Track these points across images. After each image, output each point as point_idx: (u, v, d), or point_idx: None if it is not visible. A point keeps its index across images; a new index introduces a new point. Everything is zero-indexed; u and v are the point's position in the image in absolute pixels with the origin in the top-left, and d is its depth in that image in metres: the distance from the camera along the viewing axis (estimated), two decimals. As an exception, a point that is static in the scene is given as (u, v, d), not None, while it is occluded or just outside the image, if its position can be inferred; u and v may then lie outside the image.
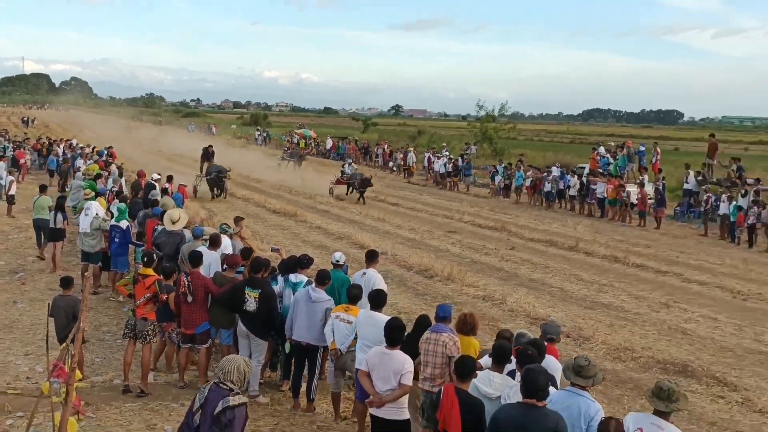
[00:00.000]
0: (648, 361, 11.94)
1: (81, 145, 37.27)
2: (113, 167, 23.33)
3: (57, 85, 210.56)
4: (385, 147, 49.83)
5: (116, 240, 14.31)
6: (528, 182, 33.39)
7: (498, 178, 35.52)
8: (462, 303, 14.97)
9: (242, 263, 10.92)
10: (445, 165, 39.60)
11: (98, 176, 21.12)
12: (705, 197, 26.45)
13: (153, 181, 20.03)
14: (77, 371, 4.12)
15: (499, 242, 22.56)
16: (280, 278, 10.50)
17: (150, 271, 10.19)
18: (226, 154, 40.67)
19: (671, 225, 27.38)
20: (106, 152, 32.18)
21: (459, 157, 40.88)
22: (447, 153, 43.02)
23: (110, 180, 21.02)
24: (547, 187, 31.92)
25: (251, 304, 9.65)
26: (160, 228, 13.83)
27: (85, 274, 14.09)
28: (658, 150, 33.52)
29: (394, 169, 45.51)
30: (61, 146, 37.26)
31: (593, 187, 29.63)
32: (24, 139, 42.49)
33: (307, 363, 9.58)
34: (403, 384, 7.21)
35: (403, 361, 7.26)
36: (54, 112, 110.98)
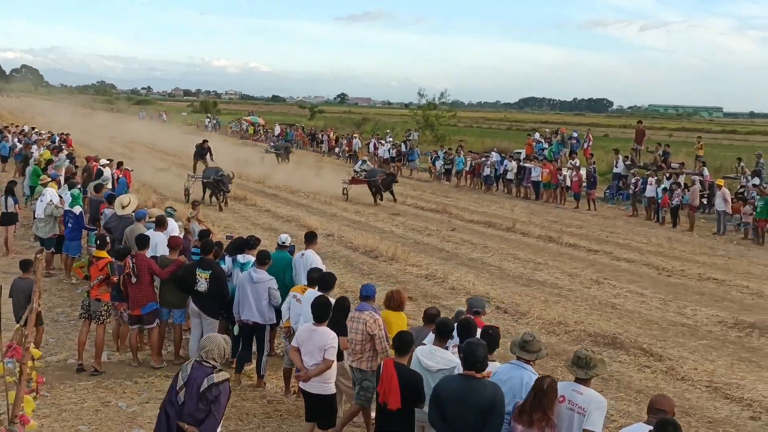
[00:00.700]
0: (580, 334, 12.53)
1: (38, 131, 36.11)
2: (62, 154, 23.17)
3: (7, 73, 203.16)
4: (331, 134, 50.43)
5: (69, 225, 14.48)
6: (468, 167, 34.24)
7: (439, 163, 36.38)
8: (405, 282, 15.55)
9: (198, 245, 11.17)
10: (389, 150, 40.35)
11: (49, 162, 21.05)
12: (633, 180, 27.58)
13: (102, 167, 20.08)
14: (35, 350, 4.34)
15: (441, 224, 23.24)
16: (228, 259, 10.77)
17: (103, 254, 10.39)
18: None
19: (602, 207, 28.50)
20: (58, 138, 31.69)
21: (402, 143, 41.68)
22: (391, 139, 43.92)
23: (57, 165, 20.93)
24: (486, 171, 32.78)
25: (202, 285, 9.92)
26: (109, 212, 14.04)
27: (38, 256, 14.17)
28: (590, 136, 34.82)
29: (340, 155, 46.02)
30: (11, 133, 36.24)
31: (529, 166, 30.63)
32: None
33: (255, 341, 9.88)
34: (326, 359, 7.31)
35: (327, 336, 7.37)
36: (5, 99, 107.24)
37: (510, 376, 6.25)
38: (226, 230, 18.05)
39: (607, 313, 14.08)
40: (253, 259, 10.31)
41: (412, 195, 29.72)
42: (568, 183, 28.92)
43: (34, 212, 15.49)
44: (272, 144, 46.65)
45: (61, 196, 15.49)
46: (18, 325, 7.49)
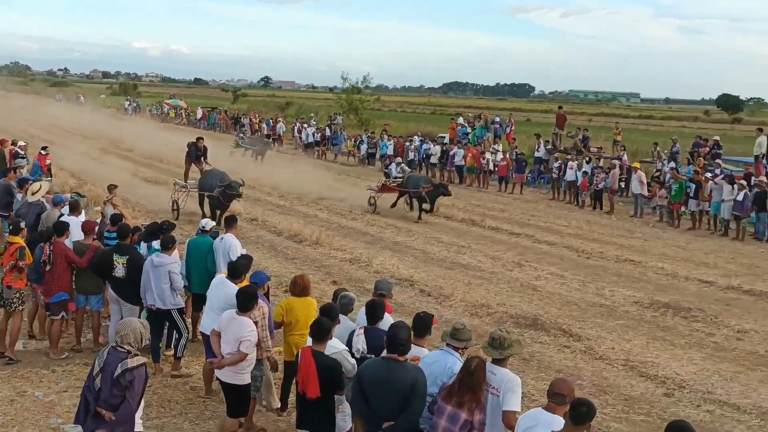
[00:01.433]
0: (502, 316, 12.76)
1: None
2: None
3: None
4: (254, 117, 49.76)
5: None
6: (392, 151, 34.27)
7: (363, 147, 36.35)
8: (330, 266, 15.52)
9: (111, 229, 11.02)
10: (313, 134, 40.09)
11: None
12: (554, 164, 28.11)
13: (20, 150, 19.36)
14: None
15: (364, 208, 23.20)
16: (143, 244, 10.62)
17: (17, 239, 10.06)
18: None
19: (524, 190, 28.88)
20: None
21: (327, 127, 41.47)
22: (315, 123, 43.62)
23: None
24: (410, 155, 32.90)
25: (119, 270, 9.75)
26: (20, 198, 13.59)
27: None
28: (512, 121, 35.32)
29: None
30: None
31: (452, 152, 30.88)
32: None
33: (168, 325, 9.77)
34: (240, 350, 7.22)
35: (245, 327, 7.26)
36: None
37: (435, 360, 6.31)
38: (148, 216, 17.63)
39: (529, 294, 14.33)
40: (168, 245, 10.18)
41: (337, 179, 29.58)
42: (491, 167, 29.27)
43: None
44: (241, 136, 39.85)
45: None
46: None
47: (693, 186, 21.93)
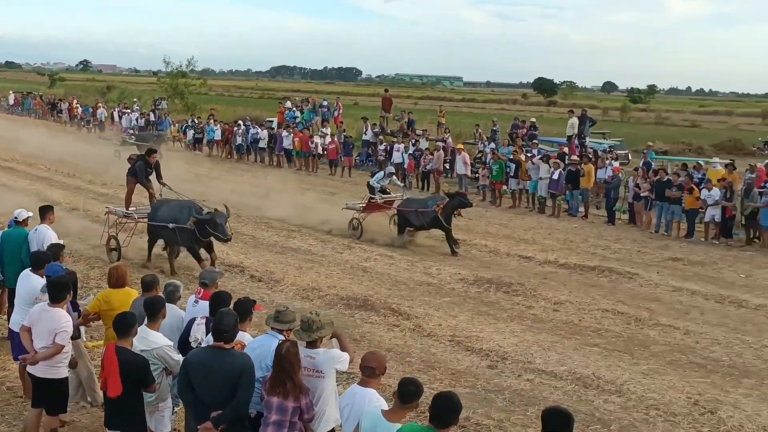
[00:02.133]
0: (333, 298, 12.86)
1: None
2: None
3: None
4: (74, 102, 47.11)
5: None
6: (219, 135, 33.54)
7: (190, 133, 35.33)
8: (158, 255, 14.94)
9: None
10: (136, 120, 38.51)
11: None
12: (381, 147, 28.54)
13: None
14: None
15: (192, 194, 22.46)
16: None
17: None
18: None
19: (353, 173, 29.09)
20: None
21: (151, 112, 40.02)
22: (138, 108, 41.96)
23: None
24: (238, 140, 32.35)
25: None
26: None
27: None
28: (340, 104, 35.53)
29: (91, 126, 42.60)
30: None
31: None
32: None
33: None
34: (56, 343, 6.93)
35: (59, 319, 6.97)
36: None
37: (261, 344, 6.27)
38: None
39: (359, 276, 14.49)
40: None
41: (162, 165, 28.38)
42: (320, 150, 29.31)
43: None
44: (131, 132, 35.54)
45: None
46: None
47: (513, 166, 22.99)
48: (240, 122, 33.99)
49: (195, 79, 57.02)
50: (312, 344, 6.07)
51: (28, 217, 10.36)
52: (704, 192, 18.48)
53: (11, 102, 52.89)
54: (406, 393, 5.12)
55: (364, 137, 31.25)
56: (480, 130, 31.63)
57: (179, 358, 6.42)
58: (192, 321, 6.98)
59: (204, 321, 6.85)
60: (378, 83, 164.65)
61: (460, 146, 25.98)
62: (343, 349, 6.26)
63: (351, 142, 29.42)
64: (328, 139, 29.43)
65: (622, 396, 9.35)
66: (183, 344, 6.81)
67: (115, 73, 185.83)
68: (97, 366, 8.22)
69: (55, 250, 8.63)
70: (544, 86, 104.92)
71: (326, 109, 33.78)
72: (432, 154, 25.98)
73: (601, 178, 21.81)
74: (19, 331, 7.41)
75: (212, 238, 13.63)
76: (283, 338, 6.22)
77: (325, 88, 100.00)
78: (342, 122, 32.81)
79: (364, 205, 18.30)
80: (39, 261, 8.22)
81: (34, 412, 7.28)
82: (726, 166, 20.67)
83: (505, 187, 23.70)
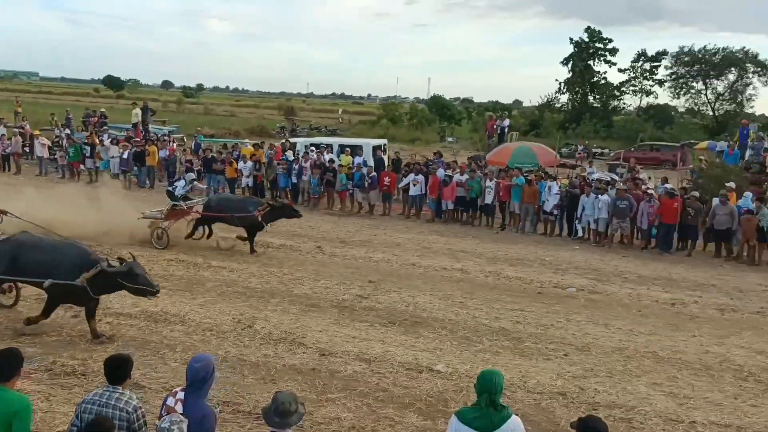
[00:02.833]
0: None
1: None
2: None
3: None
4: None
5: None
6: None
7: None
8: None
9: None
10: None
11: None
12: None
13: None
14: None
15: None
16: None
17: None
18: None
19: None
20: None
21: None
22: None
23: None
24: None
25: None
26: None
27: None
28: None
29: None
30: None
31: None
32: None
33: None
34: None
35: None
36: None
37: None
38: None
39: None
40: None
41: None
42: None
43: None
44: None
45: None
46: None
47: (88, 148, 27.17)
48: None
49: None
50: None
51: None
52: (240, 164, 24.64)
53: None
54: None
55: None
56: (56, 118, 35.20)
57: None
58: None
59: None
60: None
61: (38, 132, 29.31)
62: None
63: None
64: None
65: (185, 324, 10.63)
66: None
67: None
68: None
69: None
70: (113, 83, 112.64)
71: None
72: (9, 139, 28.78)
73: (163, 157, 26.76)
74: None
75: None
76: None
77: None
78: None
79: (166, 211, 16.53)
80: None
81: None
82: (254, 145, 27.42)
83: (82, 166, 27.29)
